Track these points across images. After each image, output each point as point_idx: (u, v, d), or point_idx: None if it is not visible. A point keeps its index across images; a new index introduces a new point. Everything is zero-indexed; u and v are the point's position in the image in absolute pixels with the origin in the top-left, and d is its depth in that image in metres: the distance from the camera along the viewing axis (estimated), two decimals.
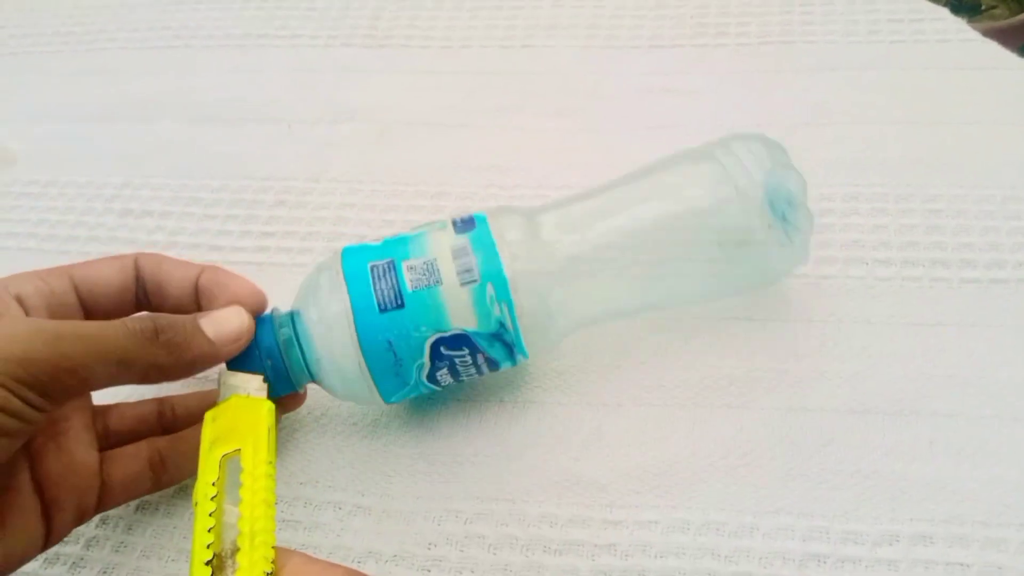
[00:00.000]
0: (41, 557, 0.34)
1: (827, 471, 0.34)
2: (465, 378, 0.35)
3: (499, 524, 0.34)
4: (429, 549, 0.34)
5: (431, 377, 0.34)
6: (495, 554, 0.33)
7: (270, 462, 0.28)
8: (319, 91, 0.56)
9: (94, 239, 0.48)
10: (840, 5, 0.56)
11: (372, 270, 0.33)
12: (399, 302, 0.32)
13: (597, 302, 0.37)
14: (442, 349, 0.33)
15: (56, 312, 0.32)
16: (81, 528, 0.35)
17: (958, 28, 0.54)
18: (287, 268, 0.45)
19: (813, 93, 0.51)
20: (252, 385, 0.32)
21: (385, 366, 0.33)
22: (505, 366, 0.35)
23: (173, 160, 0.53)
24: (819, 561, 0.32)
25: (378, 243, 0.35)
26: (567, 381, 0.39)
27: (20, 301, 0.31)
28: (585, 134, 0.51)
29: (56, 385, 0.27)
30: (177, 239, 0.48)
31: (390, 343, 0.32)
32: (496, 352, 0.34)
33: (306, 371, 0.33)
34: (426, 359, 0.33)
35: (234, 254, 0.46)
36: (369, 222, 0.47)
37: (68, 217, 0.50)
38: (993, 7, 1.47)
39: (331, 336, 0.33)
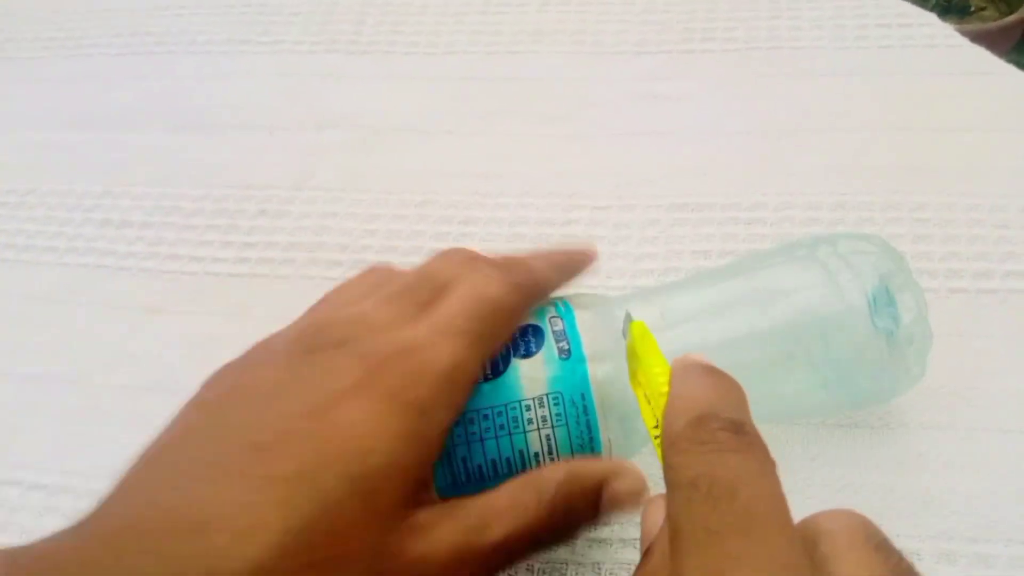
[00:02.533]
0: None
1: (814, 486, 0.34)
2: None
3: None
4: None
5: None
6: None
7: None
8: (302, 98, 0.56)
9: (73, 250, 0.48)
10: (827, 10, 0.56)
11: None
12: None
13: None
14: None
15: None
16: None
17: (946, 33, 0.54)
18: (268, 280, 0.45)
19: (800, 99, 0.51)
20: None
21: None
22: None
23: (154, 168, 0.52)
24: None
25: None
26: None
27: None
28: (571, 141, 0.51)
29: None
30: (158, 249, 0.47)
31: None
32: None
33: None
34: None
35: (215, 264, 0.46)
36: (351, 231, 0.46)
37: (48, 227, 0.49)
38: (982, 8, 1.47)
39: None
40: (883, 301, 0.31)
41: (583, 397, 0.30)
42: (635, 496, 0.28)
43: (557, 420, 0.30)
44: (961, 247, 0.42)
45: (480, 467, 0.30)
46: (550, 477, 0.28)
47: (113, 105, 0.57)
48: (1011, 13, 1.42)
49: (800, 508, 0.33)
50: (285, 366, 0.27)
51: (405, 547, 0.25)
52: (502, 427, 0.30)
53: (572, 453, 0.30)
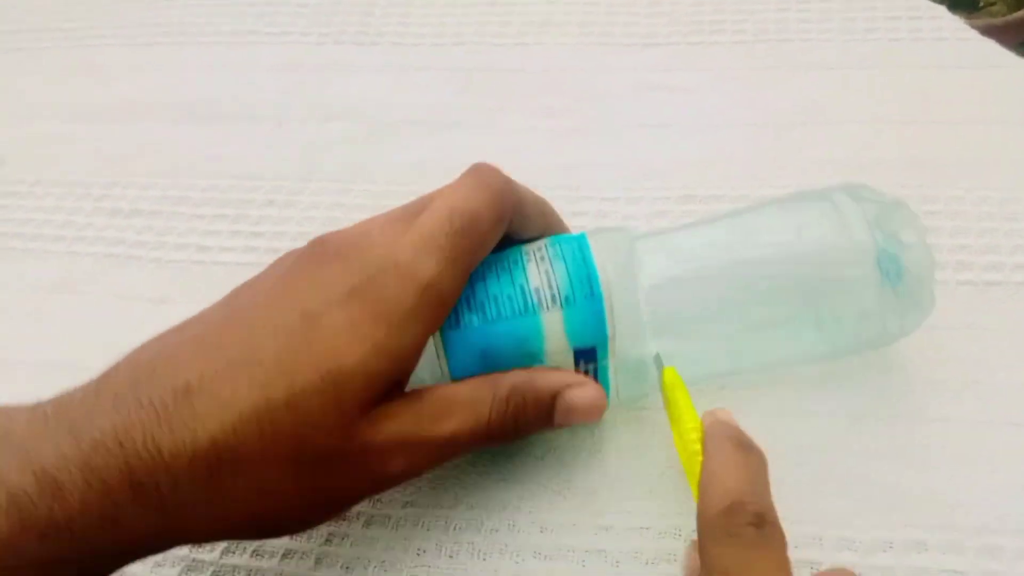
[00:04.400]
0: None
1: (821, 477, 0.34)
2: None
3: (489, 531, 0.34)
4: (417, 555, 0.33)
5: None
6: (485, 560, 0.33)
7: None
8: (309, 89, 0.56)
9: (81, 239, 0.48)
10: (837, 3, 0.56)
11: None
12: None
13: (685, 348, 0.34)
14: None
15: None
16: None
17: (955, 26, 0.54)
18: None
19: (809, 91, 0.51)
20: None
21: None
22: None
23: (161, 159, 0.52)
24: (812, 568, 0.31)
25: None
26: None
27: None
28: (579, 133, 0.51)
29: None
30: (166, 239, 0.47)
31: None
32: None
33: None
34: None
35: (222, 254, 0.46)
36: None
37: (55, 217, 0.50)
38: (991, 4, 1.47)
39: None
40: (890, 242, 0.32)
41: (580, 245, 0.32)
42: (592, 408, 0.32)
43: (555, 256, 0.32)
44: (970, 240, 0.42)
45: (483, 303, 0.31)
46: (508, 378, 0.31)
47: (120, 96, 0.57)
48: (1019, 8, 1.41)
49: (807, 499, 0.33)
50: (290, 272, 0.30)
51: (362, 436, 0.28)
52: (504, 268, 0.32)
53: (572, 288, 0.31)
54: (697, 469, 0.28)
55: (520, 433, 0.32)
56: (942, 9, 0.55)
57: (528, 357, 0.32)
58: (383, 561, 0.33)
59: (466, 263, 0.30)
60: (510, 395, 0.30)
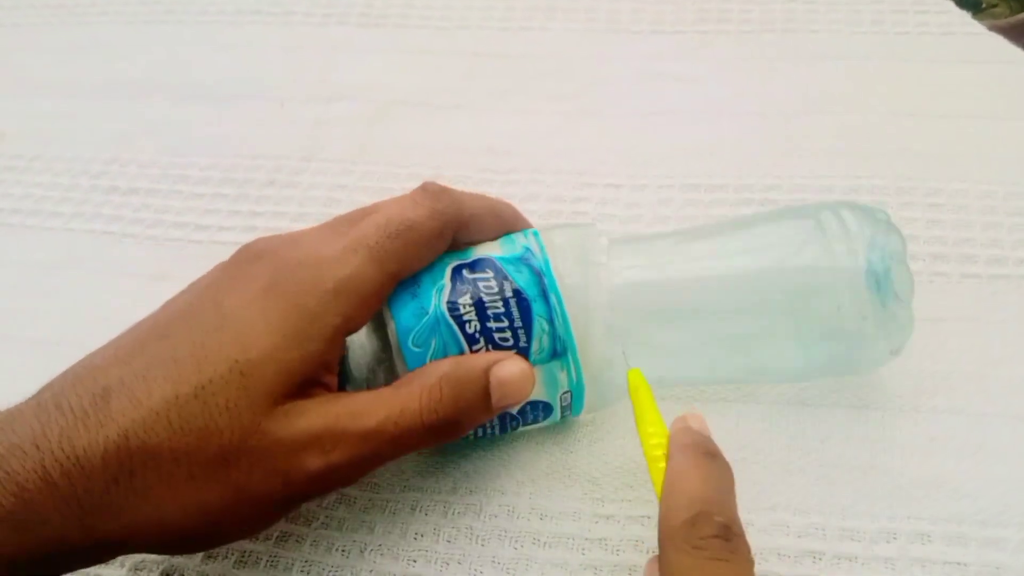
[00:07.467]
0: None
1: (825, 467, 0.34)
2: (494, 325, 0.31)
3: (488, 516, 0.33)
4: (415, 540, 0.33)
5: (453, 307, 0.31)
6: (483, 546, 0.32)
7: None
8: (312, 69, 0.55)
9: (79, 215, 0.47)
10: None
11: None
12: None
13: (656, 351, 0.34)
14: (464, 272, 0.31)
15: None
16: None
17: (963, 21, 0.54)
18: None
19: (815, 82, 0.50)
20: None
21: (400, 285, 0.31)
22: (539, 321, 0.31)
23: (162, 137, 0.52)
24: (815, 558, 0.31)
25: None
26: None
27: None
28: (583, 119, 0.50)
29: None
30: (163, 217, 0.47)
31: None
32: (523, 280, 0.31)
33: None
34: (446, 280, 0.31)
35: (221, 233, 0.45)
36: (361, 204, 0.45)
37: (53, 193, 0.49)
38: (994, 5, 1.46)
39: None
40: (879, 274, 0.32)
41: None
42: (522, 380, 0.30)
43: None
44: (975, 233, 0.41)
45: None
46: (433, 368, 0.30)
47: (122, 74, 0.57)
48: (1023, 11, 1.41)
49: (810, 489, 0.33)
50: (213, 275, 0.31)
51: (272, 429, 0.27)
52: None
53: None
54: (660, 476, 0.28)
55: (462, 422, 0.30)
56: (949, 4, 0.55)
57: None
58: (380, 545, 0.33)
59: (395, 266, 0.30)
60: (441, 382, 0.29)
